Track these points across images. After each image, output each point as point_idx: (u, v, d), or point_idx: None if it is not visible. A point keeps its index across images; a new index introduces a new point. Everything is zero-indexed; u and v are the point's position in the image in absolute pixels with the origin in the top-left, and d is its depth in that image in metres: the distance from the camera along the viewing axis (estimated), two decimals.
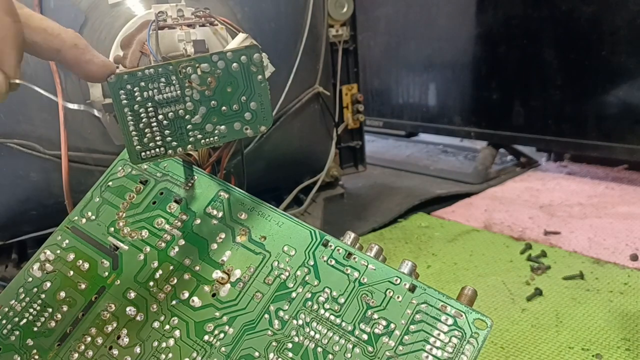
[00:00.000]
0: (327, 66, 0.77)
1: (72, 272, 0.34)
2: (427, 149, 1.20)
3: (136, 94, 0.31)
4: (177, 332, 0.31)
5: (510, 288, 0.56)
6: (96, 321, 0.32)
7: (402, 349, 0.28)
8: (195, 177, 0.36)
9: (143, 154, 0.33)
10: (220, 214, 0.35)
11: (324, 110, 0.76)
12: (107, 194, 0.37)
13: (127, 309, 0.33)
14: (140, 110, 0.32)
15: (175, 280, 0.33)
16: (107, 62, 0.31)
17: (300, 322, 0.30)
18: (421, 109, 1.11)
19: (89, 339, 0.32)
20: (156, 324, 0.32)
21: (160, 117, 0.32)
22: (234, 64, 0.32)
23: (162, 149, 0.33)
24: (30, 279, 0.35)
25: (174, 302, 0.32)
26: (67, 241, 0.36)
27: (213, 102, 0.32)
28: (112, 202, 0.37)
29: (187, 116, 0.32)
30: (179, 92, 0.32)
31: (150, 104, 0.32)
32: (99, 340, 0.32)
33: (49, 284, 0.34)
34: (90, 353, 0.32)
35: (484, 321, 0.28)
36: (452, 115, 1.05)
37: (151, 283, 0.33)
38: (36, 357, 0.32)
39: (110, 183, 0.37)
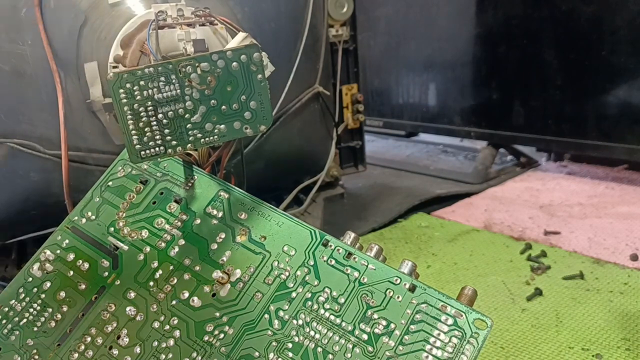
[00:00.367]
0: (327, 66, 0.77)
1: (72, 272, 0.34)
2: (427, 149, 1.20)
3: (136, 93, 0.31)
4: (177, 332, 0.31)
5: (510, 288, 0.56)
6: (96, 321, 0.32)
7: (402, 349, 0.28)
8: (195, 177, 0.36)
9: (143, 152, 0.33)
10: (220, 214, 0.35)
11: (324, 110, 0.76)
12: (107, 194, 0.37)
13: (127, 309, 0.33)
14: (140, 110, 0.32)
15: (175, 280, 0.33)
16: None
17: (300, 322, 0.30)
18: (421, 109, 1.10)
19: (89, 339, 0.32)
20: (156, 324, 0.32)
21: (160, 116, 0.32)
22: (234, 63, 0.32)
23: (161, 148, 0.33)
24: (30, 279, 0.35)
25: (174, 302, 0.32)
26: (67, 241, 0.36)
27: (213, 101, 0.32)
28: (112, 202, 0.37)
29: (186, 115, 0.32)
30: (178, 91, 0.32)
31: (150, 103, 0.32)
32: (99, 340, 0.32)
33: (49, 284, 0.34)
34: (90, 353, 0.32)
35: (484, 321, 0.28)
36: (452, 115, 1.05)
37: (151, 283, 0.33)
38: (36, 357, 0.32)
39: (110, 183, 0.37)
